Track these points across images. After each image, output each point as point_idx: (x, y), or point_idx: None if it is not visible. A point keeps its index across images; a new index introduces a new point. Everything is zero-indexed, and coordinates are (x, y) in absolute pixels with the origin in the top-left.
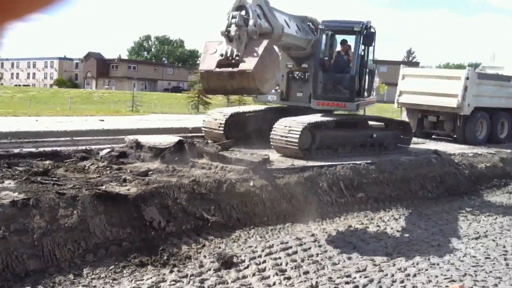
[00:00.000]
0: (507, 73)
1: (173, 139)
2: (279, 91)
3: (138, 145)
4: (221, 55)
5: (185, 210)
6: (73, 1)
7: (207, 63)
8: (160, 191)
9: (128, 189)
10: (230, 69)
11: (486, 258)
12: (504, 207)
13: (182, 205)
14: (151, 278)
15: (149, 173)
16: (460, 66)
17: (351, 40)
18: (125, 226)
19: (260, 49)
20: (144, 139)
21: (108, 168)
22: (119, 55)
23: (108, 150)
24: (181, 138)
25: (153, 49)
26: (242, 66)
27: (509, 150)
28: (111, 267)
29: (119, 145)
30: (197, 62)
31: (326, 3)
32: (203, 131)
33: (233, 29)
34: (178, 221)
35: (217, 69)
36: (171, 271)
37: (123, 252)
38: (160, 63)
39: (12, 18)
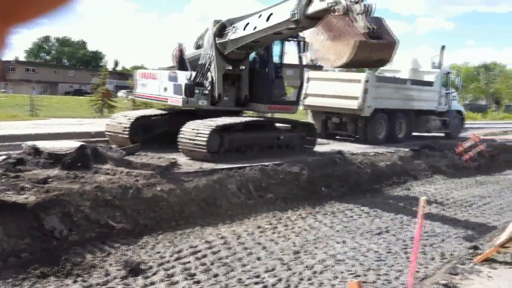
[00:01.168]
0: (403, 76)
1: (75, 144)
2: (215, 94)
3: (37, 151)
4: (368, 27)
5: (88, 218)
6: (77, 5)
7: (356, 34)
8: (61, 199)
9: (27, 198)
10: (383, 40)
11: (388, 252)
12: (403, 203)
13: (85, 212)
14: None
15: (49, 180)
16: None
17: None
18: (24, 237)
19: (386, 26)
20: (43, 144)
21: (4, 176)
22: (16, 57)
23: (3, 157)
24: (83, 143)
25: (53, 51)
26: (387, 39)
27: (407, 149)
28: (9, 280)
29: (16, 151)
30: (100, 64)
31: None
32: (107, 136)
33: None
34: (81, 230)
35: (372, 41)
36: (75, 281)
37: (22, 263)
38: (61, 65)
39: (16, 23)
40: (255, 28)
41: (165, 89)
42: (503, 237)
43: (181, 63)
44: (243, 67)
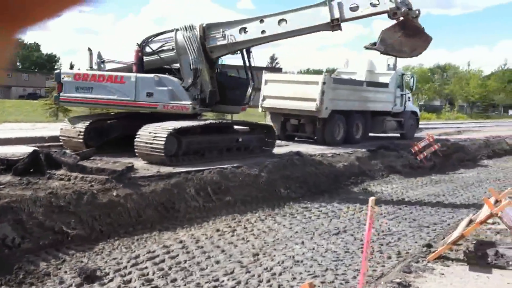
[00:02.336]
0: (359, 78)
1: (27, 149)
2: (206, 97)
3: None
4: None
5: (42, 225)
6: (94, 3)
7: (425, 33)
8: (12, 205)
9: None
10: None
11: (345, 252)
12: (360, 203)
13: (38, 219)
14: None
15: (0, 187)
16: (318, 72)
17: None
18: None
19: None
20: None
21: None
22: None
23: None
24: (36, 148)
25: None
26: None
27: (363, 150)
28: None
29: None
30: (55, 67)
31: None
32: (61, 140)
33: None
34: (34, 237)
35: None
36: None
37: None
38: (14, 68)
39: (25, 25)
40: (263, 32)
41: (149, 94)
42: (455, 234)
43: (141, 65)
44: (217, 70)
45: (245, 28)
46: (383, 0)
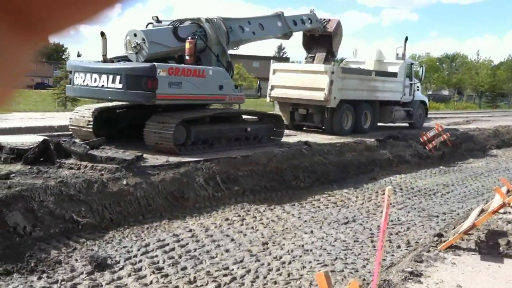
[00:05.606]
0: (367, 67)
1: (37, 138)
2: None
3: None
4: None
5: (53, 213)
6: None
7: None
8: (23, 194)
9: None
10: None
11: (355, 241)
12: (369, 193)
13: (49, 208)
14: (18, 286)
15: (11, 175)
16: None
17: None
18: None
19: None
20: (4, 139)
21: None
22: None
23: None
24: (46, 138)
25: None
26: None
27: (372, 139)
28: None
29: None
30: (63, 57)
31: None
32: (70, 130)
33: None
34: (45, 225)
35: None
36: (40, 278)
37: None
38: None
39: (53, 32)
40: (254, 33)
41: (221, 87)
42: (466, 224)
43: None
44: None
45: (241, 26)
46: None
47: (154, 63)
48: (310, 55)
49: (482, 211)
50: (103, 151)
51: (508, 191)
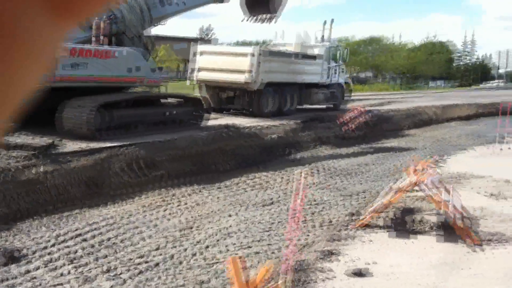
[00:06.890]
0: (295, 50)
1: None
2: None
3: None
4: None
5: None
6: None
7: None
8: None
9: None
10: None
11: (278, 222)
12: (287, 174)
13: None
14: None
15: None
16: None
17: None
18: None
19: None
20: None
21: None
22: None
23: None
24: None
25: None
26: None
27: (295, 121)
28: None
29: None
30: None
31: None
32: None
33: None
34: None
35: None
36: None
37: None
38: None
39: (75, 18)
40: (184, 3)
41: (138, 68)
42: (378, 202)
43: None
44: None
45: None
46: None
47: None
48: (251, 16)
49: (390, 189)
50: (12, 137)
51: (421, 169)
